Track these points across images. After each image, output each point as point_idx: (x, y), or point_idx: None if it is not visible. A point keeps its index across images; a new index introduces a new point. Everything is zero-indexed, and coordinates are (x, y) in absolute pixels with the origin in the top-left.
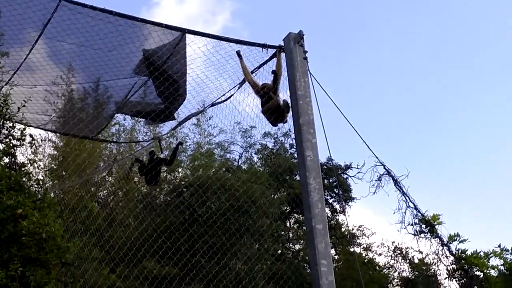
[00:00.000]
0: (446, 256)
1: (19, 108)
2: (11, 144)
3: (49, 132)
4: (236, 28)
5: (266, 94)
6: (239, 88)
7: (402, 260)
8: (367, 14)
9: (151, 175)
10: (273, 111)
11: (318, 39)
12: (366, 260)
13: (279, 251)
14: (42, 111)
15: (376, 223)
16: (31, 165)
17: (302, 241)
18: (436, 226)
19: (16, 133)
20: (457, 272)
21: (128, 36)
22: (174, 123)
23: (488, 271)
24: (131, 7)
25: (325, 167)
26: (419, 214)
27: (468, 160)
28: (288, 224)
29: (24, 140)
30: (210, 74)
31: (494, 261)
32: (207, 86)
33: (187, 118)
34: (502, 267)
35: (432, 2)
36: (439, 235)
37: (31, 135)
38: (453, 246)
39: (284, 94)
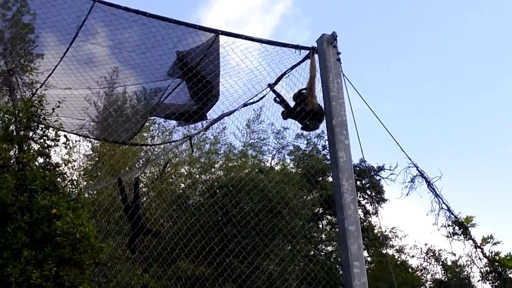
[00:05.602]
0: (480, 259)
1: (53, 109)
2: (46, 145)
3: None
4: (296, 15)
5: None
6: (271, 89)
7: (435, 262)
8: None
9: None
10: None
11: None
12: (398, 262)
13: (312, 253)
14: (76, 115)
15: (413, 219)
16: (65, 165)
17: (334, 243)
18: (470, 228)
19: (50, 133)
20: (490, 275)
21: (161, 37)
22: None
23: None
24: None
25: (357, 168)
26: (452, 216)
27: (503, 160)
28: (320, 226)
29: (58, 140)
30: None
31: None
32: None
33: (219, 118)
34: None
35: None
36: (473, 237)
37: (65, 136)
38: (487, 248)
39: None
